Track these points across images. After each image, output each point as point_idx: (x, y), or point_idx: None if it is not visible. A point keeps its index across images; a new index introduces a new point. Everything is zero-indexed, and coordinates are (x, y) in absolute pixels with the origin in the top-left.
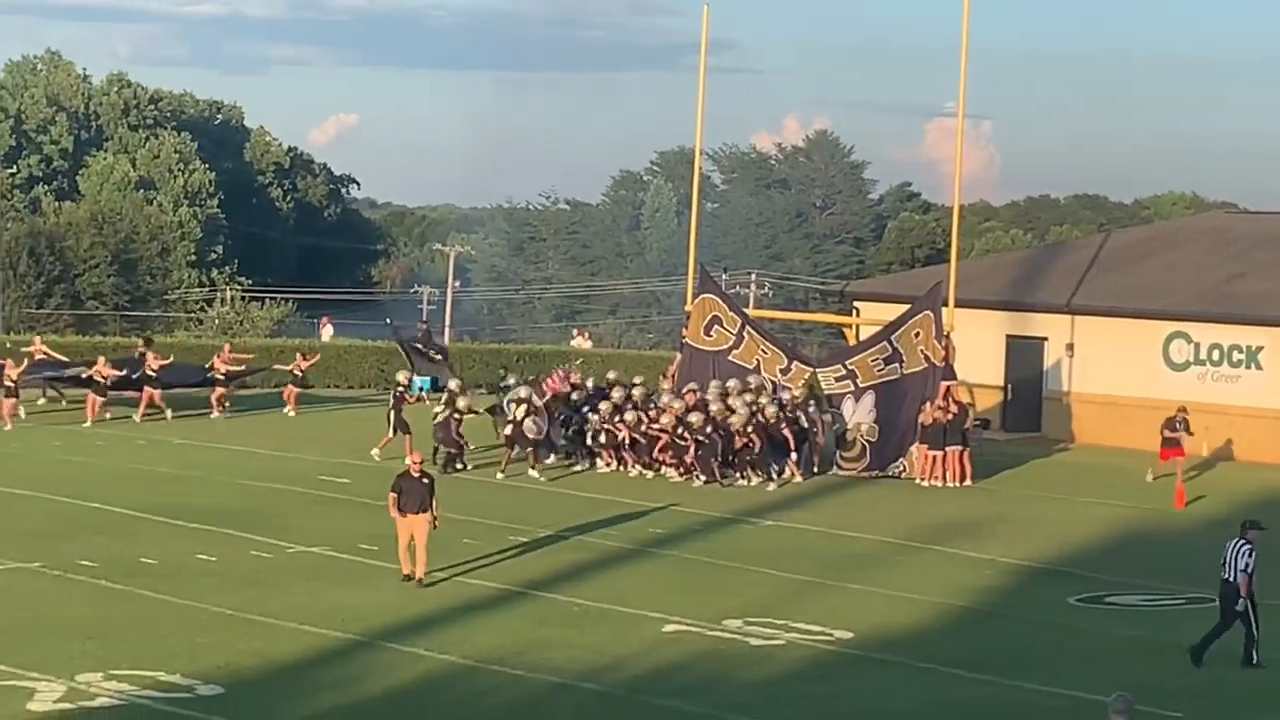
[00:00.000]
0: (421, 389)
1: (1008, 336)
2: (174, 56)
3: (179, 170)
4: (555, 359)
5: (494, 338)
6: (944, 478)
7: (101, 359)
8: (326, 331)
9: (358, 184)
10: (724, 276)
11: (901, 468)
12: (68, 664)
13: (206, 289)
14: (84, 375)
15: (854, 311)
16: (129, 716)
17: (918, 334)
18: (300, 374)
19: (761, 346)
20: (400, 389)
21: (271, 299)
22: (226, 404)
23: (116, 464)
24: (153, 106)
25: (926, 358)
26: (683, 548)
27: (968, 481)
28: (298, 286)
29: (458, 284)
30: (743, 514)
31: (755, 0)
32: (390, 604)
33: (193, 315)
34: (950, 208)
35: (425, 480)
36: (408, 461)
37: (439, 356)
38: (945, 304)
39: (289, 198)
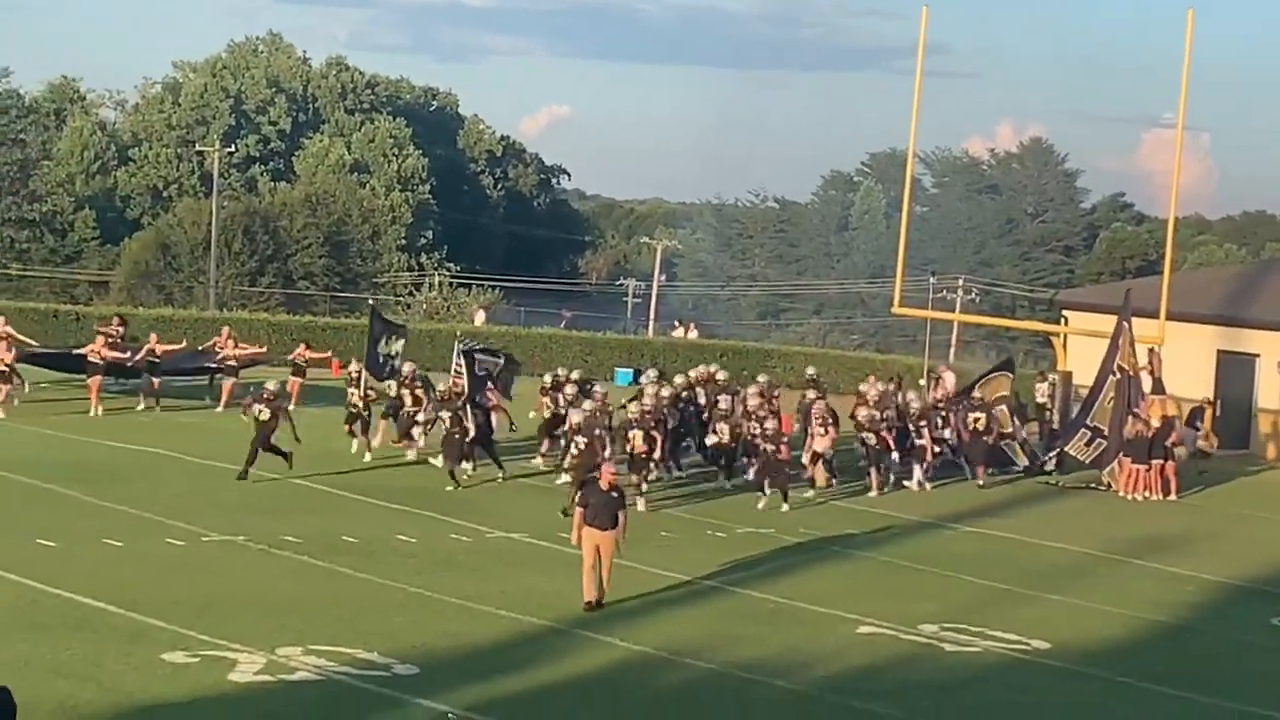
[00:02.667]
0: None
1: (1219, 351)
2: (391, 42)
3: (393, 155)
4: (758, 356)
5: (697, 333)
6: (1148, 491)
7: (100, 338)
8: (479, 317)
9: (568, 175)
10: (932, 281)
11: (1105, 483)
12: (268, 637)
13: (415, 274)
14: (75, 353)
15: (1062, 320)
16: (327, 691)
17: (1124, 351)
18: (303, 363)
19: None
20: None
21: (479, 286)
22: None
23: (319, 442)
24: (369, 91)
25: (1121, 368)
26: (879, 550)
27: (1172, 496)
28: (505, 274)
29: (663, 278)
30: (941, 519)
31: (972, 5)
32: None
33: (401, 299)
34: (1164, 220)
35: (615, 494)
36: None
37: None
38: (1141, 314)
39: (499, 186)
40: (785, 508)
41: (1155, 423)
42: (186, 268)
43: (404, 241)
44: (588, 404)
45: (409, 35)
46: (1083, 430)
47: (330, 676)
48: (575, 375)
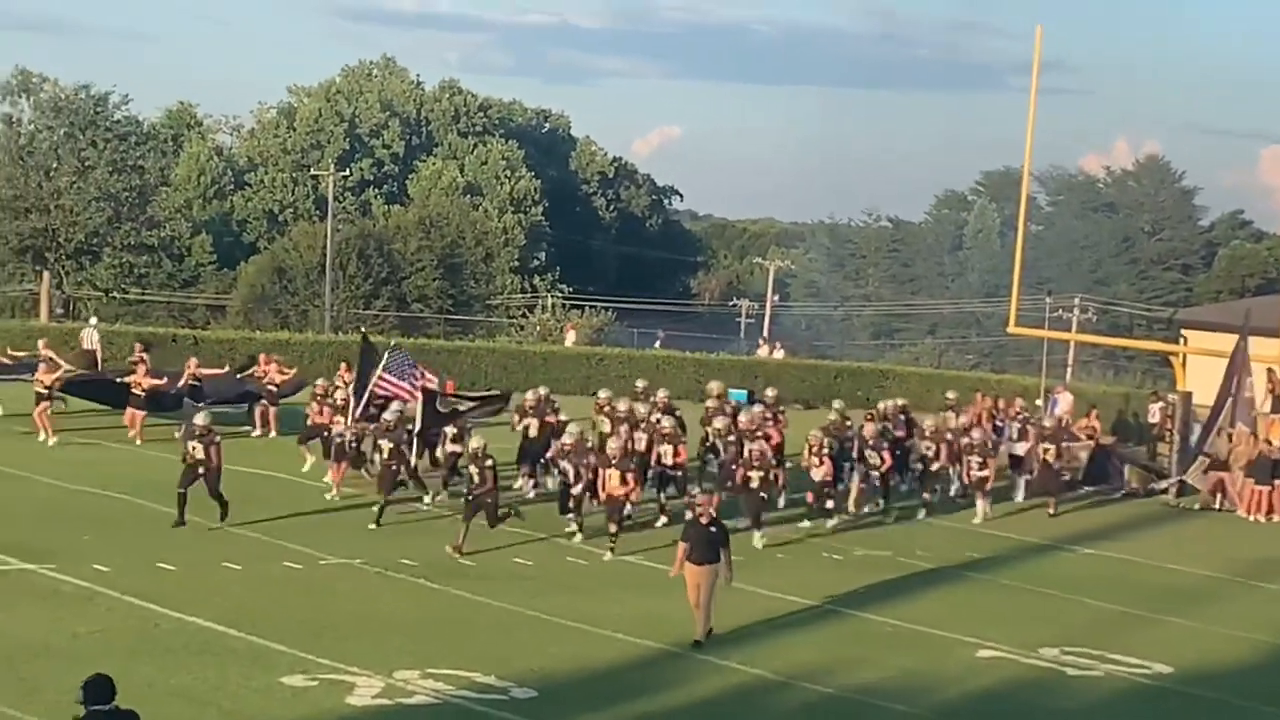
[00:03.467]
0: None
1: None
2: (502, 65)
3: (505, 177)
4: (872, 377)
5: (811, 354)
6: (1270, 512)
7: (141, 368)
8: (569, 337)
9: (680, 195)
10: (1048, 300)
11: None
12: (386, 660)
13: (528, 295)
14: (117, 382)
15: (1181, 340)
16: (445, 715)
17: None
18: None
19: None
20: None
21: (591, 307)
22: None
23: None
24: (482, 114)
25: (1239, 383)
26: (998, 572)
27: None
28: (618, 296)
29: (777, 298)
30: (1060, 541)
31: (1086, 22)
32: None
33: (514, 321)
34: None
35: (714, 529)
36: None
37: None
38: (1261, 333)
39: (612, 207)
40: (759, 543)
41: (1277, 444)
42: (302, 291)
43: (517, 263)
44: (572, 428)
45: (521, 58)
46: (1200, 458)
47: (448, 700)
48: (543, 392)
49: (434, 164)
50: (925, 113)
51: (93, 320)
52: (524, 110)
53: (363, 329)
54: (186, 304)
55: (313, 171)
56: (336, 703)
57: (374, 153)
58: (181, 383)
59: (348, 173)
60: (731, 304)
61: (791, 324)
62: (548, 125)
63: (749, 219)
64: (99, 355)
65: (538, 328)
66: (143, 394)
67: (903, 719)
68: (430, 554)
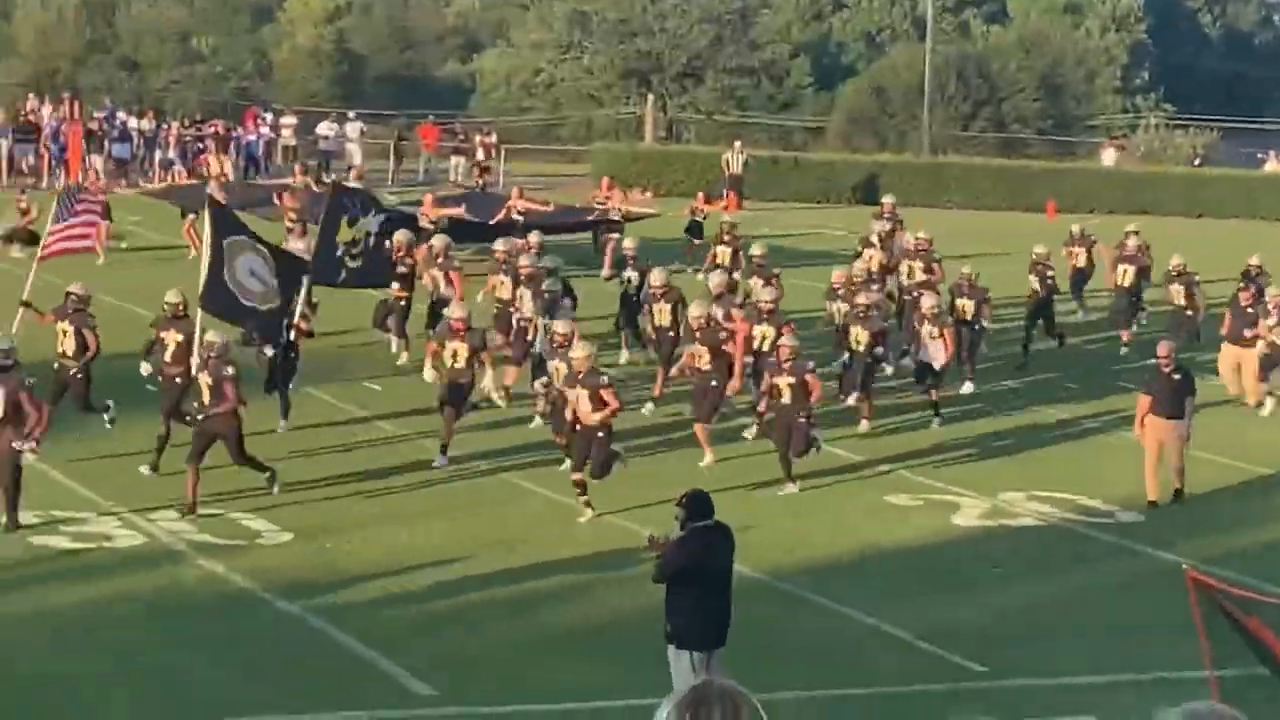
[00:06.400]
0: None
1: None
2: None
3: None
4: None
5: None
6: None
7: (429, 198)
8: (1108, 155)
9: None
10: None
11: None
12: (992, 483)
13: (1130, 115)
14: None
15: None
16: (1050, 536)
17: None
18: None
19: None
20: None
21: (1195, 127)
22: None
23: None
24: None
25: None
26: None
27: None
28: (1224, 115)
29: None
30: None
31: None
32: None
33: (1115, 140)
34: None
35: (1180, 377)
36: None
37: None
38: None
39: (1218, 24)
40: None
41: None
42: (900, 113)
43: (1119, 83)
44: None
45: None
46: None
47: (1053, 523)
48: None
49: None
50: None
51: (736, 144)
52: None
53: (334, 177)
54: (784, 126)
55: None
56: (942, 522)
57: None
58: (499, 216)
59: None
60: None
61: None
62: None
63: None
64: (741, 178)
65: (1141, 149)
66: (432, 227)
67: None
68: (1029, 378)
